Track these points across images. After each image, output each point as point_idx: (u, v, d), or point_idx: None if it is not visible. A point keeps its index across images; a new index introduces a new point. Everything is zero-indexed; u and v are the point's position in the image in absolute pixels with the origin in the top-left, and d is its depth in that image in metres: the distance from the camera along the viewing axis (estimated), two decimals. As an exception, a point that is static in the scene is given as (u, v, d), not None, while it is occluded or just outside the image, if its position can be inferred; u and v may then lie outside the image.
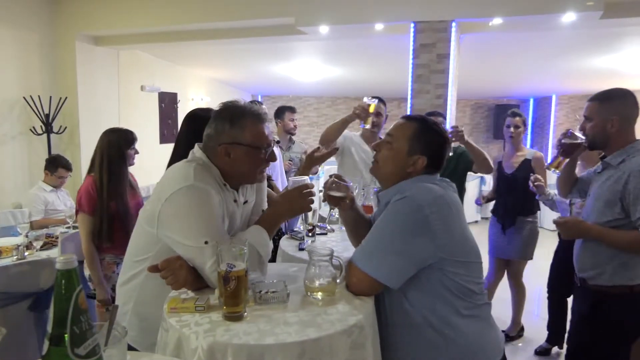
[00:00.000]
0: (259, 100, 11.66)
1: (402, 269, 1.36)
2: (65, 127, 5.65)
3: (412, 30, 4.31)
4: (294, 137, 4.93)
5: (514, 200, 3.29)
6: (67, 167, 3.92)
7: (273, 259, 2.09)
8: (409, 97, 4.35)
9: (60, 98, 5.58)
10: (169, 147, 1.91)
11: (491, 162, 3.02)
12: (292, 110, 4.69)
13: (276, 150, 3.79)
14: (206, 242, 1.32)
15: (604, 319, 1.88)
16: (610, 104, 1.89)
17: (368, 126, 2.89)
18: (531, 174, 3.01)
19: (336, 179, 1.63)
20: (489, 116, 11.93)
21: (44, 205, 3.85)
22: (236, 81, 9.62)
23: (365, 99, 2.81)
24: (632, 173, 1.78)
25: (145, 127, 7.14)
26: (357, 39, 5.52)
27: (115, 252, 2.69)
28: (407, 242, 1.36)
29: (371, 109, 2.82)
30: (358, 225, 1.70)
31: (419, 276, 1.37)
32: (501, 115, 11.41)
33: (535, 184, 2.90)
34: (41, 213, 3.79)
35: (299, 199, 1.52)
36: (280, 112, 4.85)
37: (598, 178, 1.99)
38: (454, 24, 4.22)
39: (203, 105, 8.69)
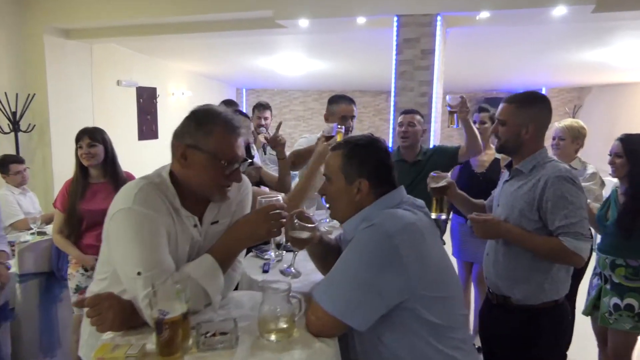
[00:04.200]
0: (244, 94, 11.44)
1: (369, 308, 1.20)
2: (34, 126, 5.38)
3: (395, 24, 4.10)
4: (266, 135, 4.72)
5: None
6: (18, 160, 3.74)
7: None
8: (392, 94, 4.15)
9: (29, 95, 5.30)
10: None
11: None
12: (261, 107, 4.49)
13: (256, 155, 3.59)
14: (139, 273, 1.18)
15: (536, 337, 1.76)
16: (528, 110, 1.78)
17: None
18: None
19: (299, 220, 1.42)
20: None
21: (18, 206, 3.64)
22: (219, 74, 9.35)
23: (325, 129, 2.40)
24: (549, 180, 1.68)
25: (123, 124, 6.89)
26: (339, 33, 5.31)
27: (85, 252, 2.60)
28: (374, 277, 1.20)
29: (339, 138, 2.59)
30: (327, 255, 1.52)
31: (391, 315, 1.20)
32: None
33: None
34: (20, 213, 3.58)
35: (264, 222, 1.31)
36: (253, 109, 4.68)
37: (507, 186, 1.87)
38: (439, 18, 4.02)
39: (184, 100, 8.43)
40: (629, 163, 2.27)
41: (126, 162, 3.92)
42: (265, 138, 4.35)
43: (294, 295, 1.26)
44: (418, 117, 2.87)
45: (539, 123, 1.78)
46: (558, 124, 2.82)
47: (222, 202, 1.38)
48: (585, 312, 2.44)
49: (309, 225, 1.45)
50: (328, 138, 2.06)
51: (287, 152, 2.70)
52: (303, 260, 1.83)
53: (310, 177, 2.20)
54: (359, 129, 11.64)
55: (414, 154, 2.84)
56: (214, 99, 10.65)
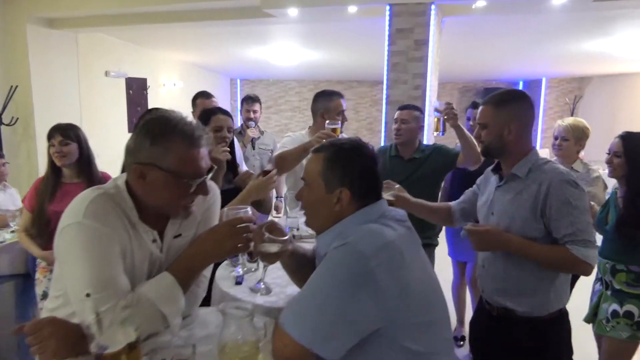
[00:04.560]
0: (238, 84, 11.25)
1: (341, 337, 1.07)
2: (17, 119, 5.22)
3: (387, 13, 3.92)
4: (262, 127, 4.62)
5: None
6: None
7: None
8: (385, 87, 3.99)
9: (12, 87, 5.14)
10: None
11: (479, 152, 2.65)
12: (250, 100, 4.36)
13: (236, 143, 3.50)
14: (88, 295, 1.07)
15: (543, 348, 1.67)
16: (506, 108, 1.67)
17: None
18: None
19: (269, 232, 1.29)
20: (477, 99, 11.61)
21: None
22: (212, 65, 9.16)
23: (327, 124, 2.48)
24: (551, 184, 1.57)
25: (112, 116, 6.74)
26: (331, 22, 5.13)
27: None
28: (347, 303, 1.06)
29: (337, 133, 2.49)
30: (303, 267, 1.39)
31: (366, 344, 1.08)
32: (489, 99, 11.12)
33: None
34: None
35: (230, 237, 1.19)
36: (241, 102, 4.55)
37: (502, 193, 1.73)
38: (433, 7, 3.84)
39: (176, 91, 8.26)
40: (628, 164, 2.12)
41: (115, 155, 3.76)
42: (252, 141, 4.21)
43: (259, 318, 1.14)
44: (415, 113, 2.72)
45: (521, 121, 1.67)
46: (561, 122, 2.65)
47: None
48: (586, 319, 2.32)
49: (280, 238, 1.32)
50: (266, 173, 1.97)
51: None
52: (280, 269, 1.71)
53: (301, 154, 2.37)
54: (355, 120, 11.49)
55: (410, 150, 2.72)
56: (207, 89, 10.49)
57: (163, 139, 1.12)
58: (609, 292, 2.17)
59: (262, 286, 1.56)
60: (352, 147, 1.25)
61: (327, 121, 2.46)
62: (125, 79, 7.02)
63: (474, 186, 2.00)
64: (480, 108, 1.72)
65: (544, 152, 9.46)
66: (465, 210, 2.01)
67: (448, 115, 2.44)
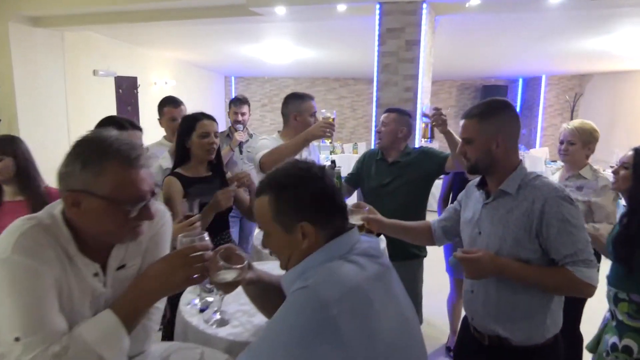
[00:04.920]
0: (233, 82, 11.08)
1: None
2: (0, 120, 5.09)
3: (377, 12, 3.77)
4: (251, 130, 4.47)
5: None
6: None
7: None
8: (375, 89, 3.84)
9: (-6, 87, 5.01)
10: (130, 136, 1.48)
11: None
12: (238, 102, 4.23)
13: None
14: (17, 339, 0.95)
15: None
16: (492, 120, 1.55)
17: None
18: None
19: (225, 259, 1.16)
20: (477, 97, 11.47)
21: None
22: (205, 63, 9.00)
23: (323, 112, 2.47)
24: (547, 202, 1.44)
25: (101, 116, 6.48)
26: (320, 20, 4.98)
27: None
28: (306, 355, 0.93)
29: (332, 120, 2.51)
30: (267, 294, 1.27)
31: None
32: (488, 97, 10.96)
33: None
34: None
35: (181, 268, 1.06)
36: (229, 104, 4.40)
37: (490, 211, 1.59)
38: (425, 5, 3.68)
39: (168, 90, 8.10)
40: (634, 178, 1.96)
41: None
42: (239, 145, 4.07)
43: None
44: (395, 115, 2.64)
45: (508, 133, 1.55)
46: (567, 125, 2.47)
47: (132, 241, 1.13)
48: (589, 348, 2.14)
49: (236, 266, 1.19)
50: (187, 217, 1.85)
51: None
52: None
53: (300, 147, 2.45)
54: (352, 118, 11.32)
55: (395, 154, 2.64)
56: (201, 88, 10.39)
57: (95, 162, 0.99)
58: (613, 323, 1.99)
59: (218, 317, 1.42)
60: (293, 177, 1.11)
61: (323, 110, 2.43)
62: (115, 77, 6.87)
63: (455, 202, 1.86)
64: (463, 122, 1.59)
65: (543, 150, 9.31)
66: (447, 229, 1.86)
67: (437, 122, 2.30)
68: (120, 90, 7.03)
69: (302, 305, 0.95)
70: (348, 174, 2.81)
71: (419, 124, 3.83)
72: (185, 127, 2.27)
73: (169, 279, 1.06)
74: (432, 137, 2.48)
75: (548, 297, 1.51)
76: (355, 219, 1.70)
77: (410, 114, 2.82)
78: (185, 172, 2.35)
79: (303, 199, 1.08)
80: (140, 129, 1.91)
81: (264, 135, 2.84)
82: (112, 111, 6.90)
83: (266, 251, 1.70)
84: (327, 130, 2.38)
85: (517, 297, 1.52)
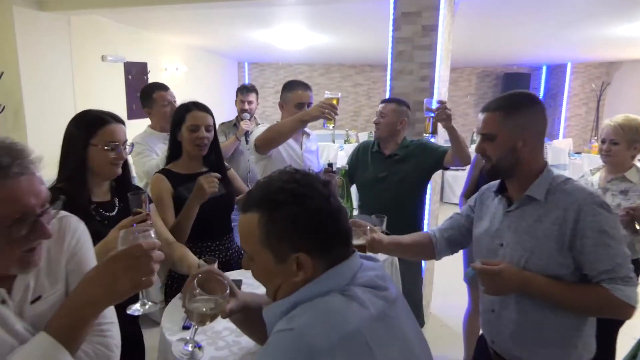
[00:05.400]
0: (246, 68, 10.85)
1: None
2: (4, 107, 4.98)
3: (392, -5, 3.50)
4: (259, 119, 4.29)
5: None
6: None
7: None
8: (388, 78, 3.59)
9: (-2, 73, 4.89)
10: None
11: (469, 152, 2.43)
12: (245, 90, 4.07)
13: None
14: None
15: None
16: (519, 115, 1.39)
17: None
18: None
19: (202, 285, 1.02)
20: (497, 85, 11.05)
21: None
22: (217, 48, 8.79)
23: (327, 94, 2.35)
24: (581, 209, 1.27)
25: (109, 102, 6.45)
26: (334, 3, 4.73)
27: None
28: None
29: (336, 102, 2.35)
30: (258, 321, 1.09)
31: None
32: (510, 85, 10.53)
33: None
34: None
35: (125, 273, 0.90)
36: (236, 92, 4.22)
37: (514, 220, 1.41)
38: (444, -13, 3.42)
39: (180, 76, 7.94)
40: None
41: None
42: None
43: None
44: (395, 106, 2.61)
45: (535, 130, 1.39)
46: (609, 121, 2.23)
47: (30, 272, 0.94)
48: None
49: (214, 296, 1.02)
50: (136, 214, 1.54)
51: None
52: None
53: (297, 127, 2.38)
54: (367, 106, 11.07)
55: (392, 146, 2.62)
56: (213, 74, 10.19)
57: None
58: None
59: (190, 349, 1.23)
60: (291, 194, 0.91)
61: (327, 92, 2.29)
62: (124, 63, 6.72)
63: (464, 209, 1.64)
64: (484, 115, 1.43)
65: (567, 142, 8.93)
66: (453, 239, 1.65)
67: (441, 116, 2.18)
68: (130, 77, 6.89)
69: (286, 352, 0.77)
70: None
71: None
72: (176, 117, 2.09)
73: (112, 287, 0.90)
74: (434, 132, 2.33)
75: (580, 318, 1.33)
76: (357, 241, 1.53)
77: (409, 104, 2.72)
78: (175, 169, 2.16)
79: (301, 223, 0.88)
80: (123, 122, 1.73)
81: (265, 123, 2.77)
82: (122, 98, 6.77)
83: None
84: (324, 110, 2.22)
85: (545, 318, 1.33)
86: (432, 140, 2.58)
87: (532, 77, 10.81)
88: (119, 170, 1.67)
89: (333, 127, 2.34)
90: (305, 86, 2.60)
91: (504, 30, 6.26)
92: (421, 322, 2.93)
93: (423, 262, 3.11)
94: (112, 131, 1.63)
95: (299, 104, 2.53)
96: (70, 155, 1.63)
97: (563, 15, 5.27)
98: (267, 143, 2.42)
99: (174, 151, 2.12)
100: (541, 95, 10.88)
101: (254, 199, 0.93)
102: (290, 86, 2.60)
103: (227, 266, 2.25)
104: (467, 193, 2.87)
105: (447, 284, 3.89)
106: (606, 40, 6.84)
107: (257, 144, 2.43)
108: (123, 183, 1.74)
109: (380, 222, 1.88)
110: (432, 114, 2.23)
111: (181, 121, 2.03)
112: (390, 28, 3.51)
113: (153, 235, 0.99)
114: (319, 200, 0.90)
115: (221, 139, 4.03)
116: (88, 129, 1.61)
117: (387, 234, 2.03)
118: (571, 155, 7.94)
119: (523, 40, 7.18)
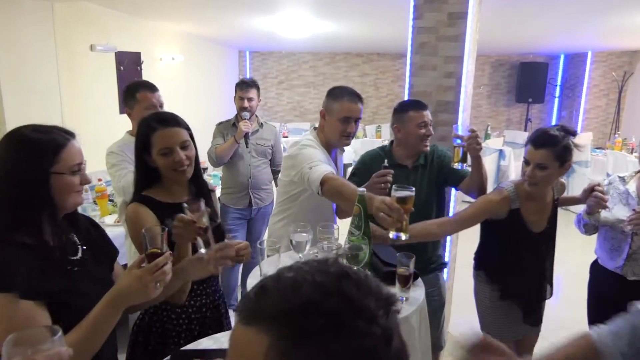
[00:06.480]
0: (247, 57, 10.34)
1: None
2: (-20, 103, 4.55)
3: (414, -23, 3.02)
4: (261, 119, 3.85)
5: None
6: None
7: None
8: (407, 74, 3.12)
9: (-27, 65, 4.44)
10: None
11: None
12: (244, 85, 3.61)
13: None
14: None
15: None
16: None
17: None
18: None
19: None
20: (512, 75, 10.50)
21: None
22: (216, 36, 8.28)
23: (394, 191, 1.72)
24: None
25: (100, 95, 6.00)
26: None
27: None
28: None
29: (409, 205, 1.86)
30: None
31: None
32: (526, 75, 9.97)
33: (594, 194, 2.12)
34: None
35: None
36: (235, 88, 3.76)
37: None
38: (474, -31, 2.93)
39: (176, 66, 7.46)
40: None
41: (105, 139, 3.03)
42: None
43: None
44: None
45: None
46: None
47: None
48: None
49: None
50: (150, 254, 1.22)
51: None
52: None
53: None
54: (375, 97, 10.47)
55: (413, 157, 2.37)
56: (212, 64, 9.70)
57: None
58: None
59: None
60: (327, 319, 0.50)
61: (394, 186, 1.65)
62: (115, 53, 6.24)
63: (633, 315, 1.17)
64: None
65: (587, 136, 8.42)
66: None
67: (472, 146, 2.05)
68: (122, 67, 6.41)
69: None
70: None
71: (462, 117, 3.12)
72: (139, 142, 1.62)
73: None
74: (464, 161, 2.12)
75: None
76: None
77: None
78: (156, 196, 1.69)
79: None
80: (73, 135, 1.30)
81: (300, 138, 2.26)
82: (113, 90, 6.30)
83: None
84: (387, 218, 1.59)
85: None
86: (464, 168, 2.16)
87: (550, 67, 10.24)
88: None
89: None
90: (356, 96, 2.18)
91: (530, 17, 5.74)
92: (440, 345, 2.60)
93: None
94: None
95: (346, 118, 2.13)
96: (23, 194, 1.19)
97: (590, 1, 4.79)
98: (333, 195, 1.90)
99: (147, 176, 1.66)
100: (558, 85, 10.34)
101: (266, 313, 0.53)
102: (337, 93, 2.18)
103: (217, 312, 1.84)
104: None
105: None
106: (631, 28, 6.34)
107: (324, 190, 1.89)
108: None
109: (407, 262, 1.66)
110: (462, 143, 2.06)
111: (147, 146, 1.57)
112: (411, 16, 3.03)
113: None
114: (366, 330, 0.51)
115: (219, 140, 3.58)
116: (44, 156, 1.21)
117: (416, 274, 1.80)
118: (592, 151, 7.46)
119: (544, 27, 6.67)
